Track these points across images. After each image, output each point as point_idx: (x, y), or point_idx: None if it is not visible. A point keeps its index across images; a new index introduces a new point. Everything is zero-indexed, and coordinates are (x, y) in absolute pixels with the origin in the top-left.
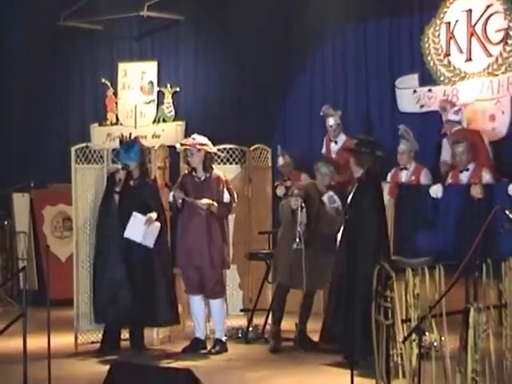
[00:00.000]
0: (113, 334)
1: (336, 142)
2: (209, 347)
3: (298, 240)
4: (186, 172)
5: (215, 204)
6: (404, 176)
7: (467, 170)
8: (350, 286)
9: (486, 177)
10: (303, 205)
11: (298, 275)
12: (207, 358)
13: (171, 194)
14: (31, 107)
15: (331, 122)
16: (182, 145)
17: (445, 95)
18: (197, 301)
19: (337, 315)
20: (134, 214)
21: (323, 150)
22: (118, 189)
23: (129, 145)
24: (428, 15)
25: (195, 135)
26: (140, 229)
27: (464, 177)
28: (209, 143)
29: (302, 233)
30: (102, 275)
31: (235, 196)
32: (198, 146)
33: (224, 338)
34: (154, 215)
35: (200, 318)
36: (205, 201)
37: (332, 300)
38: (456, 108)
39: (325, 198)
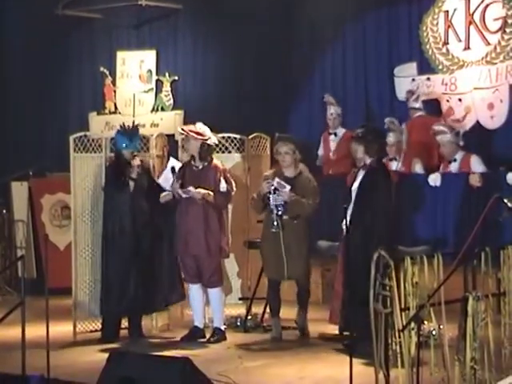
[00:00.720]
0: (113, 322)
1: (335, 134)
2: (208, 336)
3: (275, 223)
4: (186, 161)
5: (211, 193)
6: (394, 166)
7: (455, 160)
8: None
9: (476, 166)
10: (277, 185)
11: (282, 265)
12: (206, 346)
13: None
14: (30, 96)
15: (332, 110)
16: (181, 129)
17: (443, 84)
18: (195, 289)
19: (344, 303)
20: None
21: (320, 150)
22: (134, 175)
23: (133, 133)
24: (426, 4)
25: (199, 124)
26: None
27: (453, 168)
28: (206, 134)
29: (280, 216)
30: (110, 265)
31: (233, 185)
32: (193, 135)
33: (223, 327)
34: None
35: (198, 306)
36: (199, 190)
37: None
38: (415, 96)
39: (275, 184)
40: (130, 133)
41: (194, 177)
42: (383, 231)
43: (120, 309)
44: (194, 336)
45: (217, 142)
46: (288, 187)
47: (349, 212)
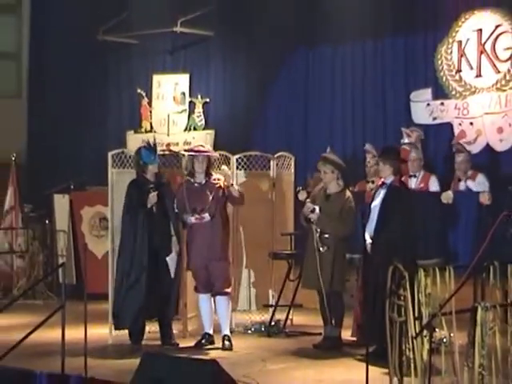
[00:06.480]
0: (136, 329)
1: (373, 182)
2: (216, 343)
3: (319, 243)
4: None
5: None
6: (413, 183)
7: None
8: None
9: (481, 184)
10: (307, 210)
11: (306, 274)
12: (231, 350)
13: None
14: (72, 116)
15: (369, 159)
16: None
17: (456, 108)
18: (205, 299)
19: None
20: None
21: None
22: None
23: (156, 149)
24: (441, 34)
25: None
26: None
27: (462, 186)
28: (211, 150)
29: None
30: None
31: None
32: (203, 154)
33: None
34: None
35: (209, 314)
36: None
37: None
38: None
39: (308, 206)
40: (155, 149)
41: (194, 192)
42: (406, 248)
43: (140, 316)
44: (207, 342)
45: (218, 156)
46: (317, 209)
47: (368, 228)
